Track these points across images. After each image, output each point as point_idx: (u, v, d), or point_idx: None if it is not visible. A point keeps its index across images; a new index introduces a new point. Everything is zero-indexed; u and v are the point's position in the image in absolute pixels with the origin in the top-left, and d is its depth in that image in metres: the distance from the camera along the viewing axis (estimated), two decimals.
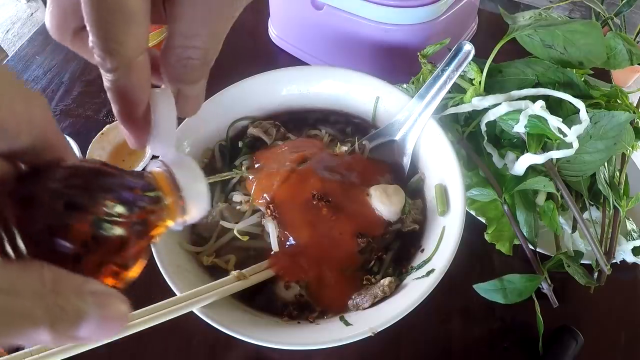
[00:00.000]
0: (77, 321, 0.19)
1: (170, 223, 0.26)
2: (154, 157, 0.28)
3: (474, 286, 0.55)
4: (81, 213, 0.21)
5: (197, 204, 0.27)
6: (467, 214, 0.53)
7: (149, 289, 0.53)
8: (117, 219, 0.22)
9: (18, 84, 0.22)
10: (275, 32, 0.87)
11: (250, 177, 0.57)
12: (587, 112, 0.53)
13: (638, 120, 0.60)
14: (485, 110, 0.57)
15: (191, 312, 0.44)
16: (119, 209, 0.22)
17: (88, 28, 0.23)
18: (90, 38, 0.23)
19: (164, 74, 0.27)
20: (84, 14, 0.23)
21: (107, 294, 0.21)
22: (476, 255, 0.60)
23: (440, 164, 0.55)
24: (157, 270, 0.46)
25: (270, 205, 0.53)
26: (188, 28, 0.26)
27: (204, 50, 0.27)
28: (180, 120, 0.28)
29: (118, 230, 0.22)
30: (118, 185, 0.23)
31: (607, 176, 0.58)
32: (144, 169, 0.27)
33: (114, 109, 0.26)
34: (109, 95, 0.26)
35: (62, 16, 0.26)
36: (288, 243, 0.52)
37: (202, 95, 0.30)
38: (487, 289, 0.54)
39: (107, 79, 0.25)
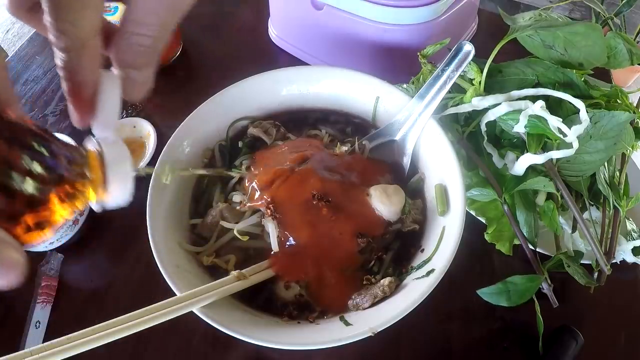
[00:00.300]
0: None
1: (88, 199, 0.28)
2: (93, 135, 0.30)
3: (477, 291, 0.55)
4: None
5: (118, 190, 0.28)
6: (467, 214, 0.54)
7: (149, 289, 0.53)
8: (33, 176, 0.23)
9: None
10: (275, 32, 0.87)
11: (248, 180, 0.57)
12: (587, 112, 0.53)
13: (638, 120, 0.60)
14: (485, 110, 0.57)
15: (191, 312, 0.44)
16: (37, 167, 0.23)
17: (43, 6, 0.24)
18: (45, 17, 0.24)
19: (113, 57, 0.28)
20: None
21: (2, 240, 0.22)
22: (476, 255, 0.60)
23: (440, 164, 0.55)
24: (157, 270, 0.46)
25: (270, 206, 0.53)
26: (139, 16, 0.27)
27: (153, 38, 0.28)
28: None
29: (30, 187, 0.23)
30: (45, 147, 0.24)
31: (607, 176, 0.58)
32: (80, 144, 0.29)
33: (63, 87, 0.27)
34: (59, 73, 0.27)
35: None
36: (288, 243, 0.52)
37: (149, 82, 0.30)
38: (490, 293, 0.54)
39: (58, 57, 0.26)
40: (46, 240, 0.26)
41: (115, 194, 0.28)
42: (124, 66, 0.29)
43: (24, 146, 0.23)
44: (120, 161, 0.29)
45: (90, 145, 0.29)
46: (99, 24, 0.26)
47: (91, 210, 0.64)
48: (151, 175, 0.52)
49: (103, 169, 0.28)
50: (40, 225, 0.25)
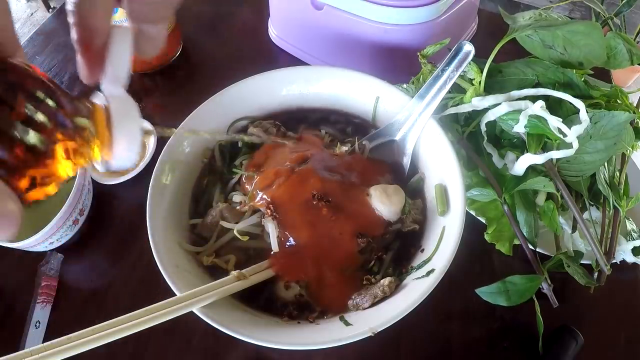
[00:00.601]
0: None
1: (92, 156, 0.26)
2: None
3: (476, 290, 0.55)
4: None
5: (124, 148, 0.27)
6: (467, 214, 0.54)
7: (149, 289, 0.53)
8: (36, 125, 0.22)
9: None
10: (275, 32, 0.87)
11: (247, 180, 0.57)
12: (587, 112, 0.53)
13: (638, 120, 0.60)
14: (485, 110, 0.57)
15: (191, 312, 0.44)
16: (41, 117, 0.22)
17: None
18: None
19: (125, 9, 0.27)
20: None
21: None
22: (476, 255, 0.60)
23: (440, 164, 0.55)
24: (157, 270, 0.46)
25: (270, 206, 0.53)
26: None
27: None
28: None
29: (32, 137, 0.22)
30: (50, 97, 0.23)
31: (607, 176, 0.58)
32: (87, 97, 0.28)
33: (73, 35, 0.26)
34: (70, 19, 0.25)
35: None
36: (288, 243, 0.52)
37: (163, 38, 0.29)
38: (489, 293, 0.54)
39: (70, 2, 0.25)
40: (48, 195, 0.25)
41: (121, 153, 0.27)
42: (137, 18, 0.27)
43: (28, 94, 0.23)
44: (127, 118, 0.27)
45: (98, 99, 0.28)
46: None
47: (91, 210, 0.64)
48: (170, 136, 0.50)
49: (109, 125, 0.27)
50: (41, 180, 0.24)
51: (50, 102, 0.23)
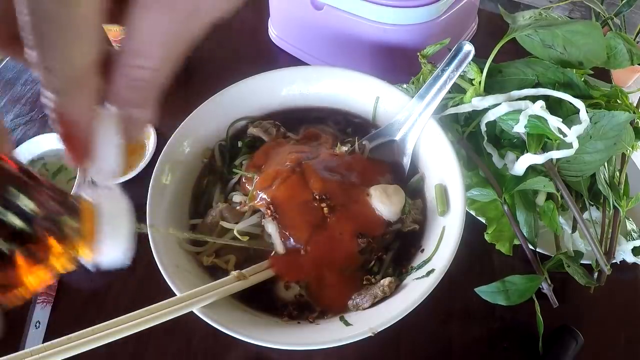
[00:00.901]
0: None
1: (80, 257, 0.24)
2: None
3: (476, 289, 0.55)
4: None
5: (110, 249, 0.25)
6: (467, 214, 0.53)
7: (149, 289, 0.53)
8: (7, 231, 0.20)
9: None
10: (275, 32, 0.87)
11: (247, 181, 0.57)
12: (587, 112, 0.53)
13: (638, 120, 0.60)
14: (485, 110, 0.57)
15: (191, 312, 0.44)
16: (15, 221, 0.20)
17: (25, 40, 0.19)
18: (27, 50, 0.20)
19: (108, 95, 0.24)
20: (19, 20, 0.19)
21: None
22: (476, 255, 0.60)
23: (440, 164, 0.55)
24: (157, 270, 0.46)
25: (271, 206, 0.53)
26: (139, 45, 0.22)
27: (154, 72, 0.23)
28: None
29: (2, 244, 0.20)
30: (26, 195, 0.21)
31: (607, 176, 0.58)
32: (76, 190, 0.26)
33: (54, 128, 0.23)
34: (48, 114, 0.22)
35: None
36: (288, 243, 0.52)
37: (149, 120, 0.26)
38: (488, 292, 0.54)
39: (47, 98, 0.21)
40: (21, 302, 0.23)
41: (110, 253, 0.25)
42: (120, 104, 0.24)
43: (0, 195, 0.20)
44: (117, 215, 0.25)
45: (85, 194, 0.25)
46: (96, 56, 0.21)
47: None
48: (146, 232, 0.49)
49: (97, 223, 0.24)
50: (10, 287, 0.22)
51: (25, 202, 0.21)
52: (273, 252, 0.52)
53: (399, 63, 0.73)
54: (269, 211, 0.52)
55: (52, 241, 0.22)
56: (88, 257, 0.25)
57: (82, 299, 0.60)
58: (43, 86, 0.21)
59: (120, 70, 0.23)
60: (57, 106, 0.22)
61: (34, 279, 0.22)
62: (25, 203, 0.21)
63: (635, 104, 0.62)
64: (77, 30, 0.20)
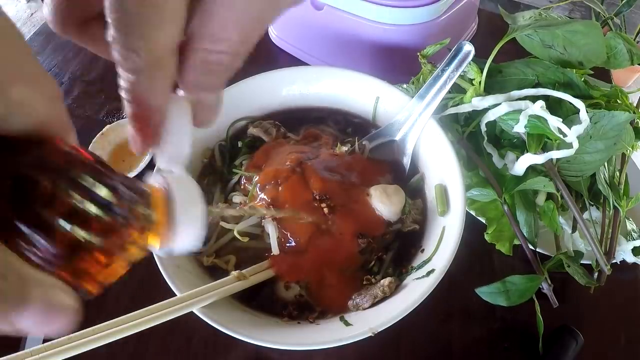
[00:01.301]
0: (18, 306, 0.18)
1: (152, 245, 0.24)
2: (158, 169, 0.26)
3: (476, 290, 0.55)
4: (40, 198, 0.19)
5: (187, 235, 0.25)
6: (467, 214, 0.53)
7: (149, 289, 0.53)
8: (84, 219, 0.20)
9: (28, 64, 0.20)
10: (275, 32, 0.87)
11: (247, 181, 0.57)
12: (587, 112, 0.53)
13: (638, 120, 0.60)
14: (485, 110, 0.57)
15: (191, 312, 0.44)
16: (92, 208, 0.20)
17: (110, 20, 0.20)
18: (111, 32, 0.20)
19: (181, 79, 0.24)
20: (106, 2, 0.20)
21: (53, 285, 0.20)
22: (476, 255, 0.60)
23: (440, 164, 0.55)
24: (157, 270, 0.46)
25: (271, 206, 0.53)
26: (217, 29, 0.22)
27: (232, 56, 0.23)
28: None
29: (80, 232, 0.20)
30: (103, 184, 0.21)
31: (607, 176, 0.58)
32: (141, 178, 0.25)
33: (127, 110, 0.23)
34: (123, 95, 0.22)
35: (66, 3, 0.23)
36: (288, 244, 0.52)
37: (220, 105, 0.26)
38: (489, 293, 0.54)
39: (125, 79, 0.22)
40: (102, 290, 0.23)
41: (184, 239, 0.25)
42: (195, 89, 0.24)
43: (75, 183, 0.20)
44: (190, 201, 0.25)
45: (155, 181, 0.25)
46: (179, 38, 0.22)
47: None
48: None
49: (170, 210, 0.24)
50: (95, 275, 0.22)
51: (102, 191, 0.21)
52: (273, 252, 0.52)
53: (399, 63, 0.73)
54: None
55: (128, 229, 0.22)
56: (160, 244, 0.24)
57: (82, 299, 0.60)
58: (121, 67, 0.21)
59: (198, 55, 0.23)
60: (135, 87, 0.22)
61: (110, 268, 0.22)
62: (101, 191, 0.21)
63: (635, 104, 0.62)
64: (169, 10, 0.20)
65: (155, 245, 0.24)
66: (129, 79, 0.21)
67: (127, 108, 0.23)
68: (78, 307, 0.20)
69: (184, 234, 0.25)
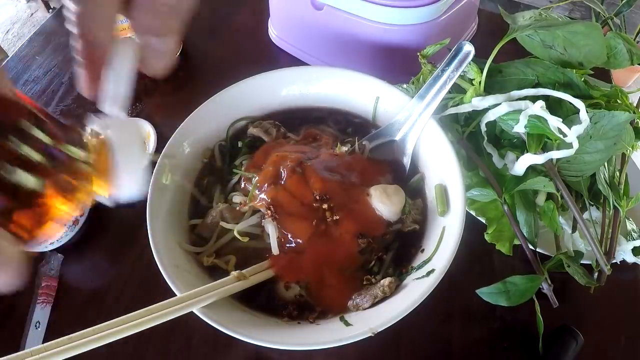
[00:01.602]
0: None
1: (93, 192, 0.24)
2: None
3: (477, 291, 0.55)
4: None
5: (128, 180, 0.24)
6: (467, 214, 0.53)
7: (149, 289, 0.53)
8: (26, 164, 0.20)
9: None
10: (275, 32, 0.87)
11: (247, 181, 0.57)
12: (587, 112, 0.53)
13: (638, 120, 0.60)
14: (485, 110, 0.57)
15: (191, 312, 0.44)
16: (31, 154, 0.20)
17: None
18: None
19: (131, 21, 0.24)
20: None
21: None
22: (476, 255, 0.60)
23: (440, 164, 0.55)
24: (157, 270, 0.46)
25: (271, 206, 0.53)
26: None
27: None
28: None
29: (22, 177, 0.20)
30: (40, 128, 0.21)
31: (607, 176, 0.58)
32: (83, 125, 0.25)
33: (74, 46, 0.23)
34: (71, 28, 0.23)
35: None
36: (288, 244, 0.52)
37: (173, 53, 0.26)
38: (489, 293, 0.54)
39: (71, 10, 0.22)
40: (53, 238, 0.23)
41: (125, 185, 0.25)
42: (144, 31, 0.25)
43: (15, 128, 0.20)
44: (128, 145, 0.25)
45: (95, 127, 0.25)
46: None
47: (91, 210, 0.64)
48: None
49: (110, 156, 0.24)
50: (40, 221, 0.22)
51: (40, 135, 0.21)
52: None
53: (399, 63, 0.73)
54: (269, 212, 0.52)
55: (69, 173, 0.22)
56: (105, 192, 0.24)
57: (82, 299, 0.60)
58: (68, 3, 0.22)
59: None
60: (80, 19, 0.22)
61: (56, 212, 0.22)
62: (40, 136, 0.21)
63: (635, 104, 0.62)
64: None
65: (99, 190, 0.24)
66: (74, 10, 0.22)
67: (75, 44, 0.23)
68: (20, 255, 0.20)
69: (125, 179, 0.24)
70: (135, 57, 0.25)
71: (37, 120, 0.21)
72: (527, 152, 0.55)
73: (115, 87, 0.25)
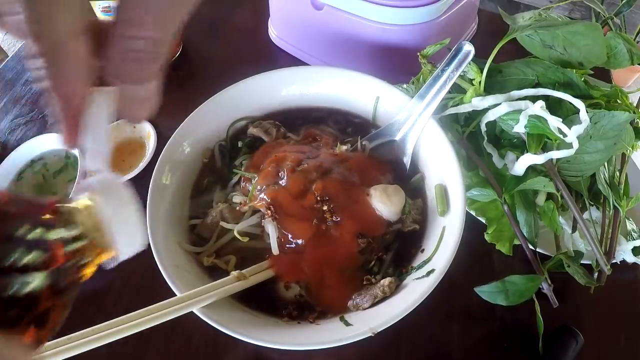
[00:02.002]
0: None
1: (97, 261, 0.23)
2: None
3: (476, 289, 0.55)
4: None
5: (127, 239, 0.24)
6: (467, 214, 0.53)
7: (149, 289, 0.53)
8: (27, 270, 0.19)
9: None
10: (275, 32, 0.87)
11: (247, 181, 0.57)
12: (587, 112, 0.53)
13: (638, 120, 0.60)
14: (485, 110, 0.57)
15: (191, 312, 0.44)
16: (28, 256, 0.19)
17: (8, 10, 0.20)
18: (12, 18, 0.20)
19: (106, 70, 0.23)
20: None
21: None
22: (476, 255, 0.60)
23: (440, 164, 0.55)
24: (157, 270, 0.46)
25: (271, 206, 0.53)
26: (132, 14, 0.22)
27: (152, 41, 0.22)
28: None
29: (30, 283, 0.19)
30: (21, 229, 0.20)
31: (607, 176, 0.58)
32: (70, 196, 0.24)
33: (48, 103, 0.22)
34: (38, 84, 0.21)
35: None
36: (288, 244, 0.52)
37: (154, 99, 0.25)
38: (488, 292, 0.54)
39: (33, 67, 0.21)
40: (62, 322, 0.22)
41: (125, 245, 0.24)
42: (118, 79, 0.23)
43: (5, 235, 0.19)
44: (119, 205, 0.24)
45: (81, 194, 0.23)
46: (81, 22, 0.21)
47: None
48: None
49: (104, 222, 0.23)
50: (54, 321, 0.21)
51: (26, 233, 0.20)
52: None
53: (399, 63, 0.73)
54: (269, 212, 0.52)
55: (68, 257, 0.21)
56: (107, 256, 0.24)
57: (82, 299, 0.60)
58: (28, 54, 0.20)
59: (115, 42, 0.22)
60: (50, 74, 0.21)
61: (68, 294, 0.22)
62: (25, 234, 0.20)
63: (635, 104, 0.62)
64: None
65: (102, 258, 0.24)
66: (35, 66, 0.21)
67: (48, 101, 0.22)
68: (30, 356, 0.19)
69: (124, 241, 0.24)
70: (113, 106, 0.24)
71: (18, 219, 0.20)
72: (527, 152, 0.55)
73: (95, 141, 0.24)
